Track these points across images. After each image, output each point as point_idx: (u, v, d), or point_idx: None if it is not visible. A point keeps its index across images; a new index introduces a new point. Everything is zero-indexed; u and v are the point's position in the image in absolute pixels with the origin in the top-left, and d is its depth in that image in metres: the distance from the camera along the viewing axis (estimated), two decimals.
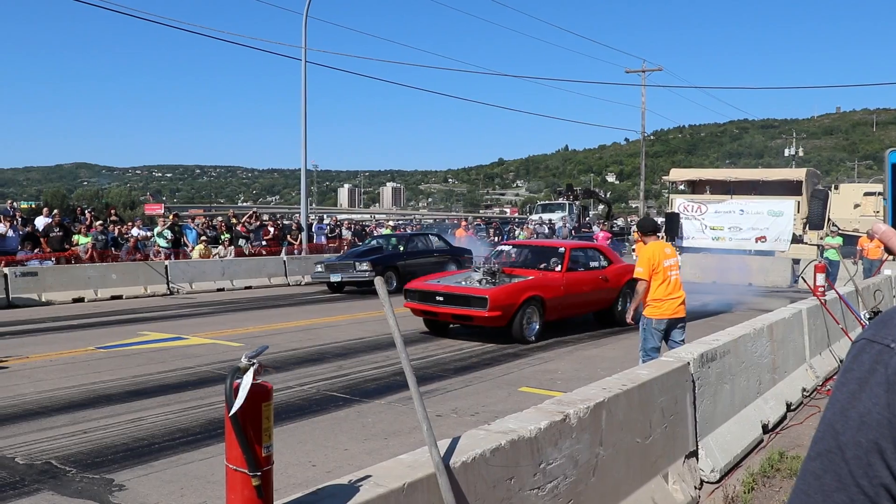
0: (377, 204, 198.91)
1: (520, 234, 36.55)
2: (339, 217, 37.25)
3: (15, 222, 21.51)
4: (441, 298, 12.27)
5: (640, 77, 48.95)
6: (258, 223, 27.04)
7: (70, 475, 5.89)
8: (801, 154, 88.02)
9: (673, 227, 25.40)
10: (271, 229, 26.59)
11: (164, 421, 7.47)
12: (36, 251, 20.55)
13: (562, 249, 13.72)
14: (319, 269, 21.46)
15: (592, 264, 14.15)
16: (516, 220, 57.25)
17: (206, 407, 7.98)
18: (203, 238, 24.25)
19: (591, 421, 4.52)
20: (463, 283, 12.77)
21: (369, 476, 3.37)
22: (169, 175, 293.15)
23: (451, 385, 9.17)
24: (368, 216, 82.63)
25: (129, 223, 26.00)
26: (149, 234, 23.71)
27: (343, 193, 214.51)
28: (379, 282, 3.72)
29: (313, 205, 59.41)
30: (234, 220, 28.00)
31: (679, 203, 25.26)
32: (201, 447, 6.62)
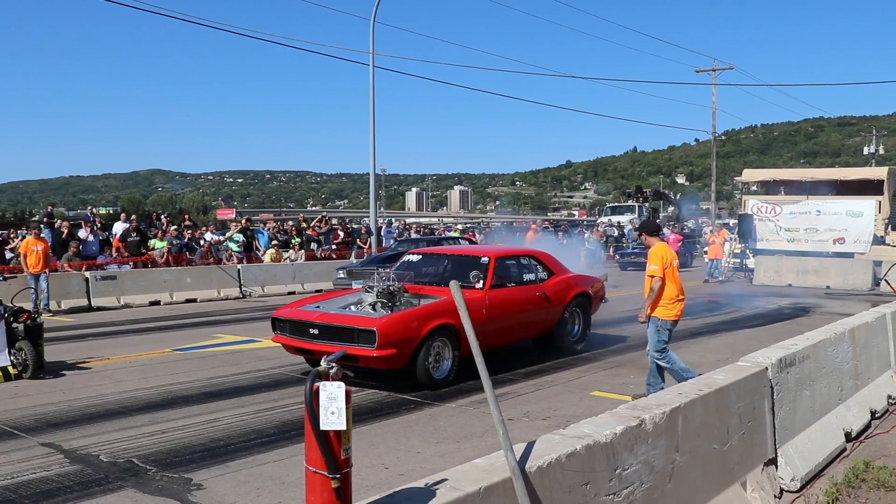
0: (445, 207, 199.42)
1: (589, 236, 36.28)
2: (408, 220, 37.45)
3: (95, 228, 22.17)
4: (315, 331, 9.15)
5: (710, 76, 48.20)
6: (328, 227, 27.38)
7: (151, 473, 6.04)
8: (881, 152, 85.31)
9: (746, 229, 24.95)
10: (341, 233, 26.88)
11: (238, 422, 7.61)
12: (114, 256, 21.16)
13: (485, 259, 10.45)
14: (342, 276, 19.58)
15: (527, 277, 11.03)
16: (584, 222, 56.88)
17: (280, 409, 8.10)
18: (274, 242, 24.64)
19: (668, 426, 4.46)
20: (353, 307, 9.78)
21: (445, 480, 3.38)
22: (240, 180, 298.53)
23: (522, 389, 9.14)
24: (436, 219, 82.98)
25: (203, 228, 26.59)
26: (221, 238, 24.19)
27: (411, 197, 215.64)
28: (454, 285, 3.75)
29: (381, 208, 59.91)
30: (304, 224, 28.41)
31: (752, 204, 24.79)
32: (276, 448, 6.72)
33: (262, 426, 7.44)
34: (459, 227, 32.18)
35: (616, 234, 39.03)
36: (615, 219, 45.21)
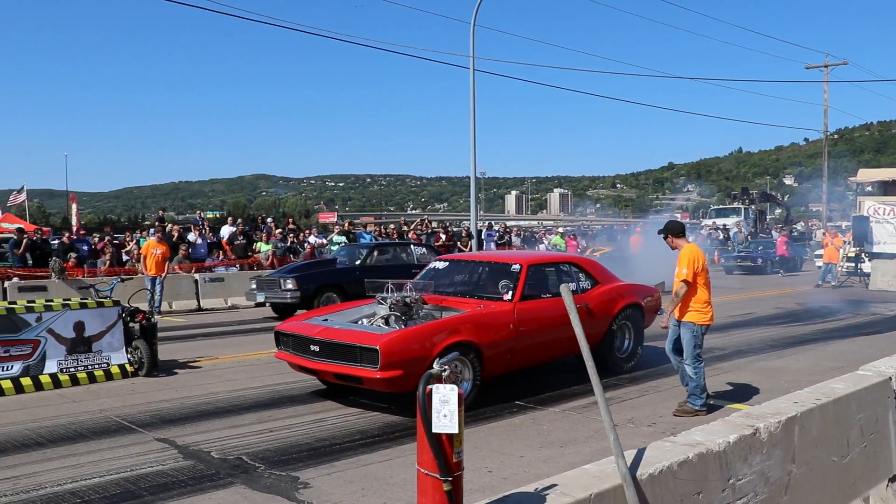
0: (544, 210, 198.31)
1: (693, 240, 35.44)
2: (508, 223, 37.38)
3: (203, 231, 22.92)
4: (316, 348, 8.23)
5: (821, 73, 46.50)
6: (429, 230, 27.56)
7: (259, 471, 6.19)
8: None
9: (861, 232, 23.97)
10: (443, 236, 26.99)
11: (344, 422, 7.72)
12: (222, 258, 21.83)
13: (516, 267, 9.30)
14: (252, 287, 17.27)
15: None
16: (688, 224, 55.64)
17: (384, 410, 8.18)
18: None
19: (783, 436, 4.32)
20: (364, 320, 8.85)
21: (555, 485, 3.36)
22: (341, 184, 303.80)
23: (627, 394, 9.00)
24: (536, 222, 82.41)
25: (306, 231, 27.14)
26: (324, 241, 24.65)
27: (510, 200, 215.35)
28: (565, 289, 3.72)
29: (481, 212, 59.91)
30: (405, 228, 28.69)
31: (869, 206, 23.78)
32: (380, 449, 6.79)
33: (366, 427, 7.54)
34: (560, 230, 31.78)
35: (721, 237, 38.04)
36: (720, 221, 44.10)
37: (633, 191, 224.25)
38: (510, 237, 30.68)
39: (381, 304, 8.68)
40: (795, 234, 40.56)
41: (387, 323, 8.43)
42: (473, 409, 7.99)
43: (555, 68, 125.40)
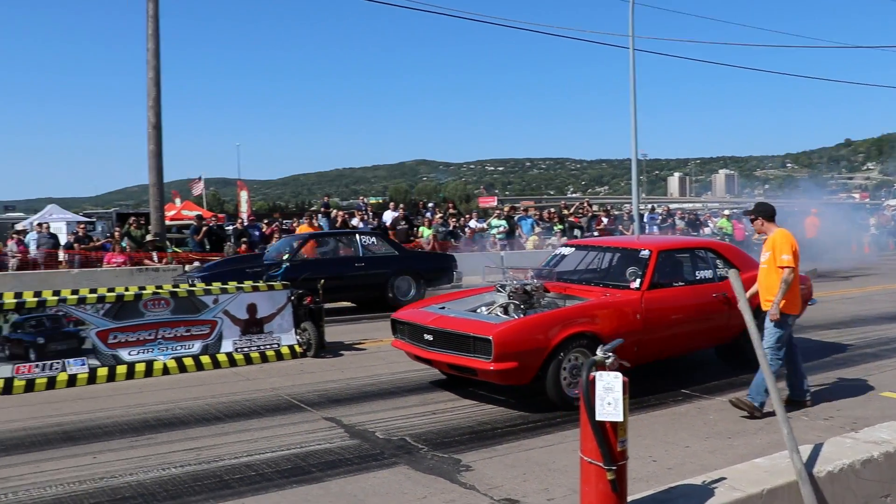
0: (709, 192, 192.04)
1: (874, 221, 33.38)
2: (671, 206, 36.35)
3: (366, 216, 23.57)
4: (430, 337, 8.01)
5: None
6: (590, 214, 27.24)
7: (422, 452, 6.31)
8: None
9: None
10: (605, 219, 26.61)
11: (504, 407, 7.75)
12: None
13: (645, 252, 8.70)
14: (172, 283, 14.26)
15: (702, 275, 9.07)
16: (867, 205, 52.37)
17: (544, 395, 8.15)
18: (538, 230, 24.89)
19: None
20: (483, 309, 8.53)
21: (724, 478, 3.25)
22: (500, 168, 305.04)
23: None
24: (700, 205, 79.88)
25: (466, 216, 27.40)
26: (484, 225, 24.81)
27: (673, 182, 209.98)
28: (734, 274, 3.58)
29: (643, 194, 58.69)
30: (565, 211, 28.46)
31: None
32: (541, 434, 6.77)
33: (527, 412, 7.53)
34: (727, 212, 30.55)
35: None
36: None
37: (805, 170, 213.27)
38: (674, 220, 29.79)
39: (500, 292, 8.47)
40: None
41: (505, 312, 8.17)
42: (636, 396, 7.84)
43: (719, 44, 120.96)
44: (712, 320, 8.77)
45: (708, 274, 9.09)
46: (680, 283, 8.81)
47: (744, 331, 8.65)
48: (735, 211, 35.82)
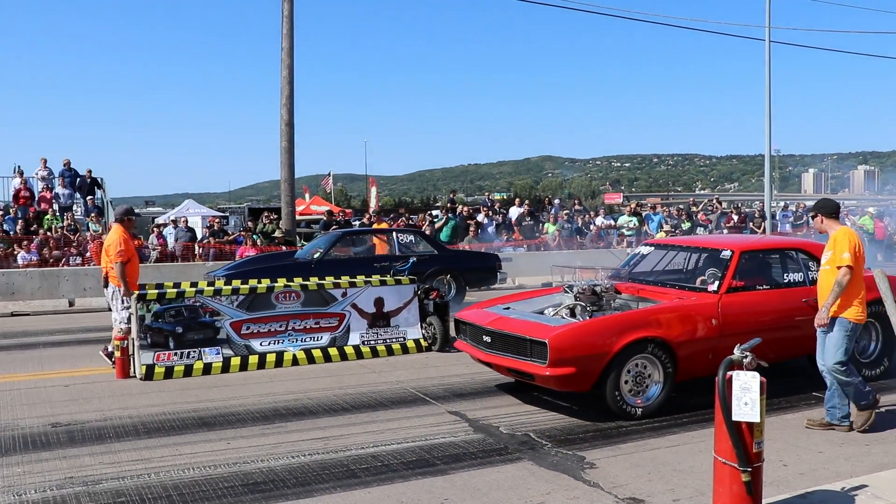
0: (846, 189, 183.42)
1: None
2: (807, 203, 34.91)
3: (491, 212, 23.63)
4: (488, 339, 7.77)
5: None
6: (719, 211, 26.49)
7: (546, 448, 6.29)
8: None
9: None
10: (735, 217, 25.82)
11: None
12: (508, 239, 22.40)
13: (726, 253, 8.13)
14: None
15: (790, 277, 8.40)
16: None
17: (672, 397, 7.98)
18: (666, 228, 24.38)
19: None
20: (550, 310, 8.25)
21: (865, 486, 3.10)
22: (627, 165, 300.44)
23: None
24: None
25: (591, 213, 27.11)
26: (611, 222, 24.49)
27: (807, 178, 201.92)
28: (879, 274, 3.40)
29: (775, 191, 56.56)
30: (694, 208, 27.77)
31: None
32: (667, 434, 6.64)
33: (653, 411, 7.39)
34: (871, 209, 28.83)
35: None
36: None
37: None
38: (808, 218, 28.57)
39: (567, 293, 8.20)
40: None
41: (572, 314, 7.92)
42: (767, 398, 7.59)
43: (858, 32, 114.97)
44: (801, 327, 7.95)
45: (798, 277, 8.43)
46: (765, 287, 8.24)
47: None
48: (880, 208, 34.04)
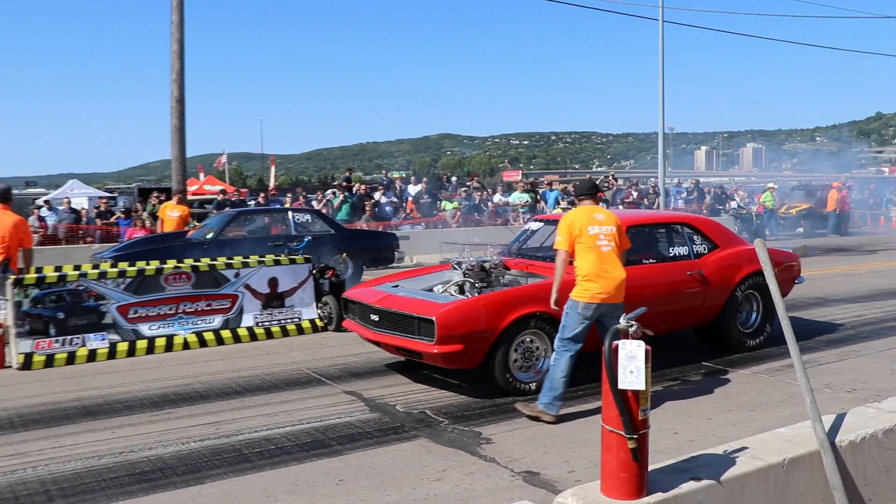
0: (736, 166, 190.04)
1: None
2: (700, 180, 35.93)
3: (389, 190, 23.57)
4: (376, 317, 7.73)
5: None
6: (615, 187, 27.09)
7: (443, 425, 6.33)
8: None
9: None
10: (634, 193, 26.44)
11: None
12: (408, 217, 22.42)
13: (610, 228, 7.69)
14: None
15: (675, 251, 8.62)
16: None
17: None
18: (562, 203, 24.76)
19: None
20: (439, 287, 8.30)
21: (745, 448, 3.22)
22: (525, 142, 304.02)
23: (824, 357, 8.52)
24: (727, 178, 78.94)
25: (490, 190, 27.35)
26: (507, 199, 24.74)
27: (700, 156, 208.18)
28: (759, 244, 3.53)
29: (669, 168, 58.17)
30: None
31: None
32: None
33: None
34: (771, 184, 29.84)
35: None
36: None
37: (834, 144, 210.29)
38: (701, 194, 29.48)
39: (456, 269, 8.22)
40: None
41: (461, 291, 7.92)
42: (658, 369, 7.83)
43: (747, 14, 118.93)
44: (687, 300, 8.40)
45: (683, 251, 8.66)
46: (651, 261, 8.36)
47: (721, 312, 8.63)
48: (789, 183, 35.14)
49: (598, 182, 29.16)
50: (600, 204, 7.29)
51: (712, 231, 9.14)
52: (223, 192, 23.36)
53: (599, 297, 6.38)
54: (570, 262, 6.59)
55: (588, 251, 6.47)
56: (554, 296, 6.59)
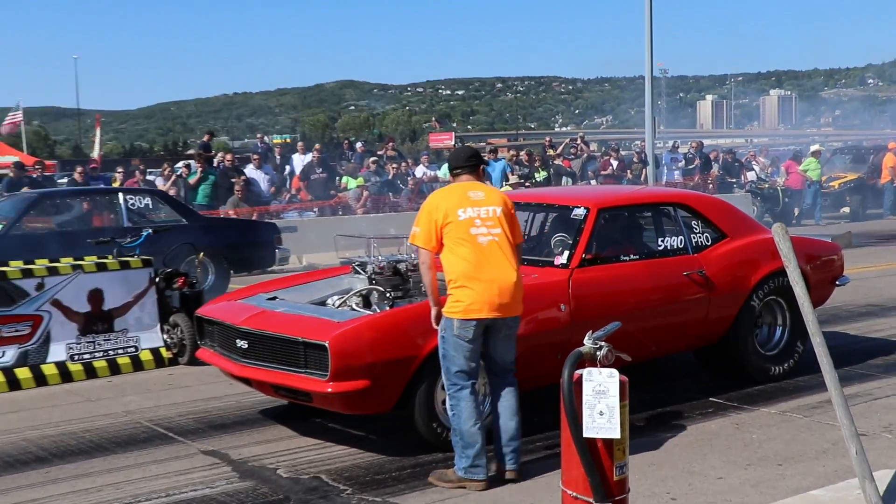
0: (756, 122, 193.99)
1: None
2: (704, 142, 36.54)
3: (264, 161, 23.40)
4: (244, 344, 7.43)
5: None
6: (586, 154, 27.26)
7: (344, 496, 6.35)
8: None
9: None
10: (614, 162, 26.56)
11: None
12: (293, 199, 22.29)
13: (579, 211, 8.01)
14: None
15: (668, 243, 8.53)
16: None
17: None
18: (513, 180, 24.79)
19: None
20: (334, 298, 8.14)
21: None
22: (460, 92, 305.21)
23: (880, 389, 8.74)
24: (743, 139, 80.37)
25: (411, 161, 27.33)
26: (435, 173, 24.78)
27: (705, 108, 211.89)
28: (778, 228, 3.58)
29: (661, 127, 58.67)
30: (551, 151, 28.44)
31: None
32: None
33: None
34: (816, 147, 29.95)
35: None
36: None
37: (892, 88, 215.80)
38: (704, 162, 29.57)
39: (359, 273, 8.21)
40: None
41: (366, 304, 7.85)
42: (647, 408, 7.91)
43: None
44: (684, 311, 8.40)
45: (678, 242, 8.60)
46: (633, 257, 8.36)
47: (733, 326, 8.64)
48: (793, 148, 35.78)
49: (563, 146, 29.38)
50: (486, 181, 7.18)
51: (719, 214, 9.10)
52: (18, 164, 22.84)
53: (477, 311, 6.17)
54: None
55: (459, 244, 6.28)
56: (433, 310, 6.41)
